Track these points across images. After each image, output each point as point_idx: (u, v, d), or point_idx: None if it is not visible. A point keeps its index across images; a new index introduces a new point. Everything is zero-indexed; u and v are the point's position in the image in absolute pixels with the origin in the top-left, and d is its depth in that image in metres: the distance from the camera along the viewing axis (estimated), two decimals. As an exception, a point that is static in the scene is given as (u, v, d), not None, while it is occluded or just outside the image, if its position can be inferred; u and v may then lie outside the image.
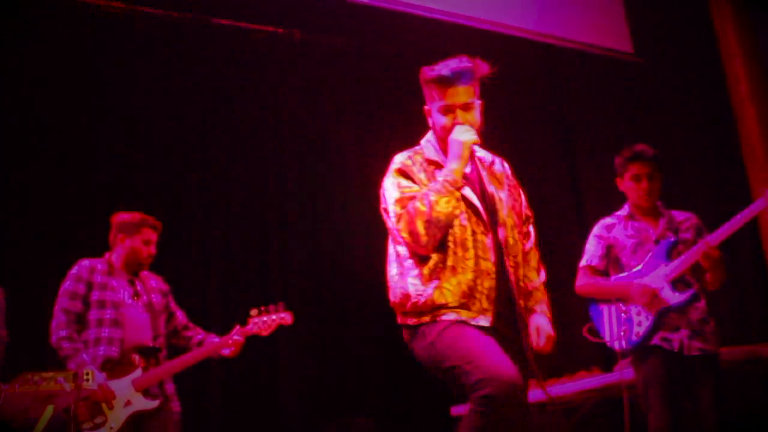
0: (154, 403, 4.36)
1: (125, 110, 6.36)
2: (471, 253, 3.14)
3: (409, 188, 3.20)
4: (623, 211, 4.48)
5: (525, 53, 6.57)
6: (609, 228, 4.47)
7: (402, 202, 3.16)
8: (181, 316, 4.75)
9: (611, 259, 4.44)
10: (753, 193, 5.07)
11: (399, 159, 3.28)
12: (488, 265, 3.15)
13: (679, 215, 4.44)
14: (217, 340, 4.58)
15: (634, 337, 4.24)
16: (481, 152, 3.40)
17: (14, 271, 5.44)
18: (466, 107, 3.24)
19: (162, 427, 4.44)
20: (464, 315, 3.09)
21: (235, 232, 6.79)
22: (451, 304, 3.08)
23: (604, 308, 4.39)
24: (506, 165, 3.45)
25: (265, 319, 4.56)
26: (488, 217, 3.21)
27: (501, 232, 3.21)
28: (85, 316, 4.42)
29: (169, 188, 6.44)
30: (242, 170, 6.98)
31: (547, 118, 7.39)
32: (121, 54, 6.28)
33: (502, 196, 3.29)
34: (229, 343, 4.52)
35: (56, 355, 4.35)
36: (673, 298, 4.19)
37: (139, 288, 4.57)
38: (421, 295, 3.12)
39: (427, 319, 3.11)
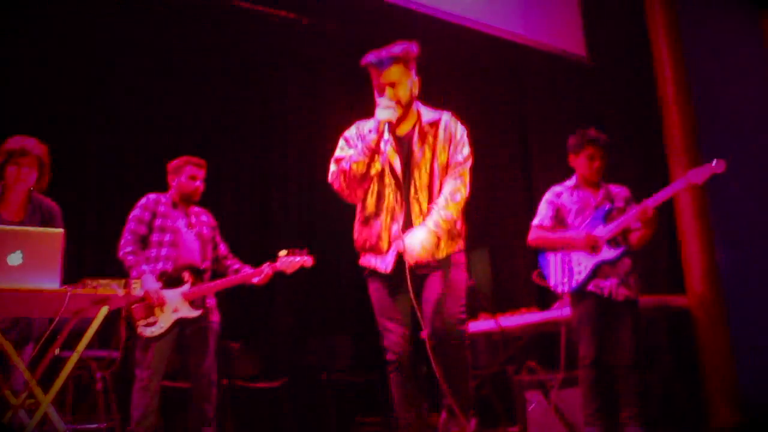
0: (196, 312, 4.47)
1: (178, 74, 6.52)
2: (384, 203, 3.30)
3: (341, 150, 3.38)
4: (571, 182, 4.61)
5: (488, 47, 6.52)
6: (558, 195, 4.59)
7: (338, 161, 3.34)
8: (223, 247, 4.84)
9: (558, 220, 4.57)
10: (671, 175, 5.16)
11: (353, 126, 3.44)
12: (398, 213, 3.27)
13: (614, 188, 4.59)
14: (251, 270, 4.61)
15: (574, 283, 4.38)
16: (428, 114, 3.38)
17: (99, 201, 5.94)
18: (393, 85, 3.27)
19: (201, 335, 4.56)
20: (377, 262, 3.32)
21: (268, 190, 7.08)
22: (367, 247, 3.33)
23: (551, 258, 4.51)
24: (451, 121, 3.40)
25: (291, 259, 4.59)
26: (404, 175, 3.30)
27: (413, 189, 3.31)
28: (148, 237, 4.54)
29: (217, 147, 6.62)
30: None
31: (505, 107, 7.40)
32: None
33: (426, 155, 3.32)
34: (259, 274, 4.54)
35: (122, 266, 4.47)
36: (608, 253, 4.32)
37: (192, 220, 4.68)
38: (357, 237, 3.39)
39: (363, 262, 3.40)
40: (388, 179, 3.31)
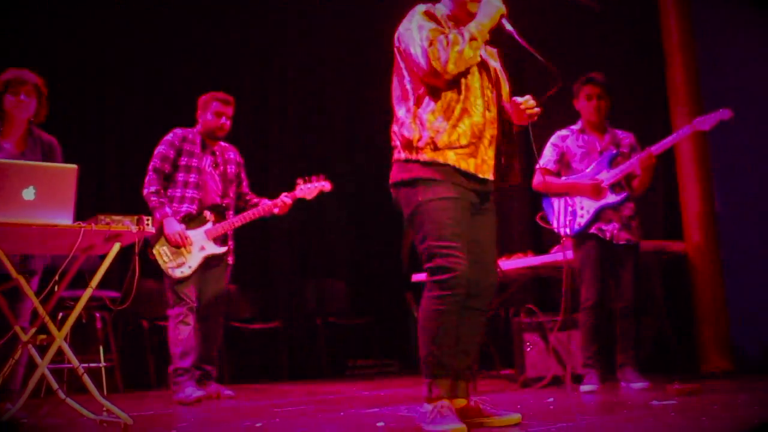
0: (223, 249, 4.57)
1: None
2: (480, 101, 2.93)
3: (439, 27, 2.90)
4: (576, 126, 4.64)
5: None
6: (563, 138, 4.62)
7: (436, 32, 2.84)
8: (245, 184, 4.87)
9: (563, 164, 4.61)
10: (673, 124, 5.21)
11: (422, 6, 2.98)
12: (492, 116, 2.98)
13: (620, 133, 4.64)
14: (269, 202, 4.67)
15: (576, 226, 4.45)
16: None
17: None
18: None
19: (219, 274, 4.61)
20: (469, 162, 2.88)
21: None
22: (463, 142, 2.86)
23: (555, 202, 4.56)
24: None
25: (309, 186, 4.67)
26: (492, 76, 3.06)
27: (501, 93, 3.09)
28: (172, 176, 4.54)
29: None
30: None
31: (501, 49, 7.36)
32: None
33: (497, 67, 3.14)
34: (279, 204, 4.58)
35: (144, 203, 4.50)
36: (611, 198, 4.39)
37: (218, 159, 4.63)
38: (437, 131, 2.85)
39: (440, 159, 2.85)
40: (479, 75, 2.97)
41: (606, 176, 4.40)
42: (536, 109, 2.95)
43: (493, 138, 2.98)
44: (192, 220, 4.50)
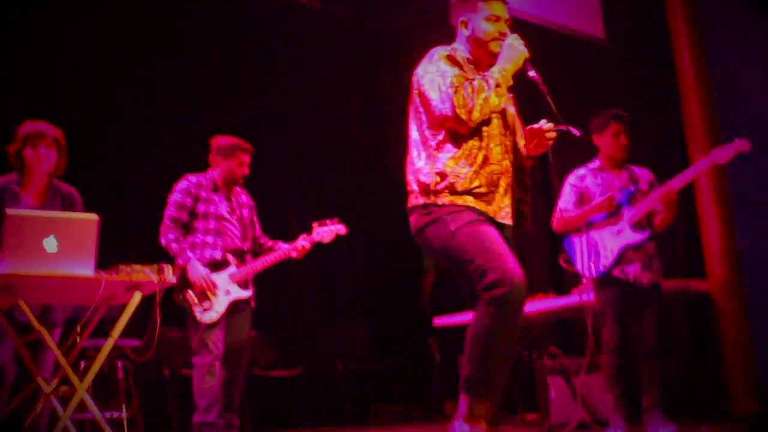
0: (248, 292, 4.55)
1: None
2: (498, 149, 2.90)
3: (462, 72, 2.86)
4: (594, 164, 4.60)
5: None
6: (582, 178, 4.58)
7: (460, 78, 2.81)
8: (258, 227, 4.85)
9: (583, 203, 4.55)
10: (690, 159, 5.19)
11: (443, 49, 2.95)
12: (508, 164, 2.96)
13: (637, 170, 4.61)
14: (288, 246, 4.66)
15: (601, 268, 4.38)
16: None
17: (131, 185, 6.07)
18: (507, 23, 3.00)
19: (243, 319, 4.61)
20: (488, 209, 2.85)
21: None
22: (483, 190, 2.83)
23: (576, 242, 4.50)
24: None
25: (325, 229, 4.65)
26: (509, 123, 3.02)
27: (517, 140, 3.05)
28: (190, 224, 4.50)
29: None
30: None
31: (518, 89, 7.42)
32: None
33: (514, 113, 3.09)
34: (297, 248, 4.61)
35: (165, 252, 4.45)
36: (634, 237, 4.33)
37: (234, 204, 4.65)
38: (457, 175, 2.82)
39: (459, 202, 2.82)
40: (499, 122, 2.96)
41: (627, 215, 4.37)
42: (554, 133, 2.93)
43: (509, 186, 2.96)
44: (216, 266, 4.47)
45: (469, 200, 2.84)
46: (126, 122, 6.41)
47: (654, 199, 4.29)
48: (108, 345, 3.50)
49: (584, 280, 4.65)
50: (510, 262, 2.72)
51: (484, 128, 2.88)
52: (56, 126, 4.02)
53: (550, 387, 4.91)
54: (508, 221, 2.94)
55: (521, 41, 2.90)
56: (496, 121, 2.92)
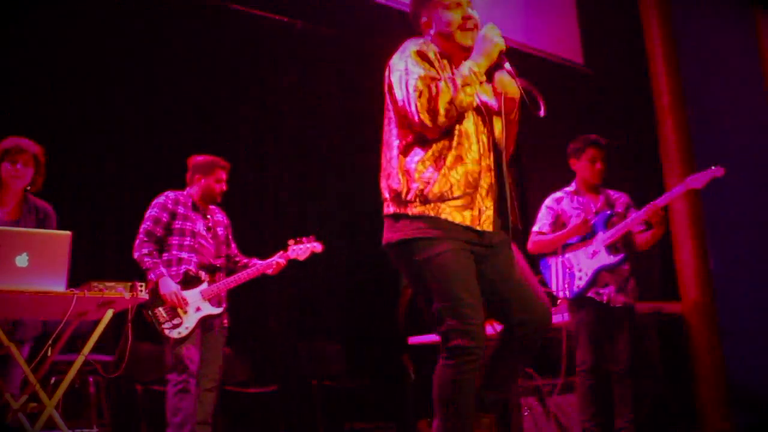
0: (218, 309, 4.51)
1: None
2: (475, 147, 2.67)
3: (431, 69, 2.65)
4: (570, 188, 4.66)
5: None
6: (558, 201, 4.63)
7: (425, 79, 2.58)
8: (234, 246, 4.84)
9: (558, 226, 4.61)
10: (666, 184, 5.26)
11: (414, 43, 2.71)
12: (489, 163, 2.71)
13: (614, 194, 4.66)
14: (263, 262, 4.65)
15: (576, 288, 4.42)
16: None
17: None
18: (469, 5, 2.78)
19: (216, 336, 4.59)
20: (464, 216, 2.63)
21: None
22: (457, 193, 2.61)
23: (552, 263, 4.54)
24: None
25: (301, 246, 4.64)
26: (487, 119, 2.79)
27: (497, 134, 2.80)
28: (165, 240, 4.47)
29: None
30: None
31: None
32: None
33: (493, 105, 2.85)
34: (272, 265, 4.60)
35: (137, 267, 4.41)
36: (608, 259, 4.38)
37: (210, 222, 4.61)
38: (427, 182, 2.60)
39: (432, 213, 2.60)
40: (476, 118, 2.74)
41: (602, 237, 4.40)
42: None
43: (491, 186, 2.70)
44: (188, 282, 4.43)
45: (444, 209, 2.61)
46: (103, 138, 6.36)
47: (630, 222, 4.34)
48: (78, 362, 3.49)
49: (559, 302, 4.70)
50: (470, 308, 2.53)
51: (457, 126, 2.66)
52: (36, 143, 3.99)
53: (523, 407, 4.90)
54: (489, 227, 2.68)
55: (497, 31, 2.66)
56: (471, 118, 2.71)
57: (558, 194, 4.64)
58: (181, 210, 4.53)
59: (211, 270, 4.56)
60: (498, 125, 2.80)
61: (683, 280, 5.29)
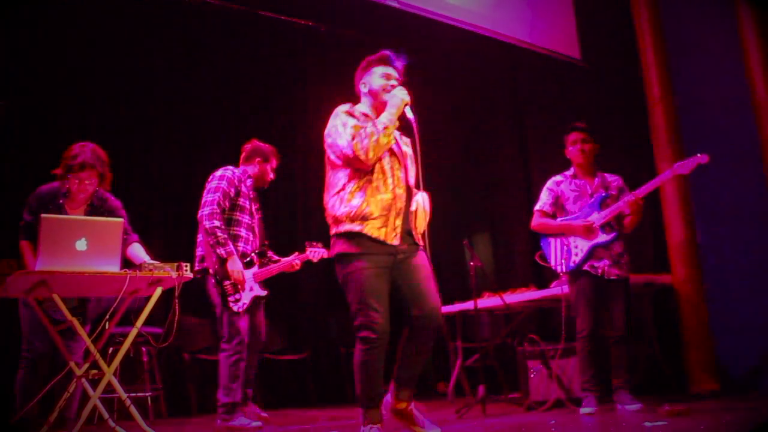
0: (265, 293, 4.49)
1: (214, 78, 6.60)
2: (390, 180, 3.23)
3: (355, 121, 3.23)
4: (569, 172, 4.67)
5: (492, 51, 6.59)
6: (558, 183, 4.65)
7: (357, 128, 3.17)
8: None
9: (558, 206, 4.63)
10: (657, 168, 5.24)
11: (344, 107, 3.31)
12: (401, 193, 3.26)
13: (609, 177, 4.67)
14: (285, 260, 4.61)
15: (571, 264, 4.44)
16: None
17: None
18: (399, 82, 3.36)
19: (260, 312, 4.58)
20: (380, 232, 3.14)
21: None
22: (374, 215, 3.15)
23: (552, 241, 4.56)
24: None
25: (315, 250, 4.65)
26: (399, 159, 3.33)
27: (409, 172, 3.35)
28: (231, 215, 4.36)
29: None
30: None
31: (504, 106, 7.46)
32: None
33: (408, 152, 3.42)
34: (296, 264, 4.62)
35: (209, 235, 4.22)
36: (602, 237, 4.38)
37: (258, 205, 4.59)
38: (355, 206, 3.16)
39: (357, 228, 3.14)
40: (392, 158, 3.29)
41: (597, 217, 4.42)
42: None
43: (401, 210, 3.22)
44: (245, 263, 4.39)
45: (367, 225, 3.14)
46: (155, 130, 6.42)
47: (622, 204, 4.35)
48: (132, 333, 3.57)
49: (561, 276, 4.73)
50: (375, 311, 3.07)
51: (378, 165, 3.22)
52: (98, 146, 3.91)
53: (530, 369, 4.96)
54: (397, 241, 3.18)
55: (404, 91, 3.27)
56: (387, 158, 3.25)
57: (558, 177, 4.67)
58: (243, 188, 4.42)
59: (260, 254, 4.52)
60: (412, 169, 3.38)
61: (673, 255, 5.30)
